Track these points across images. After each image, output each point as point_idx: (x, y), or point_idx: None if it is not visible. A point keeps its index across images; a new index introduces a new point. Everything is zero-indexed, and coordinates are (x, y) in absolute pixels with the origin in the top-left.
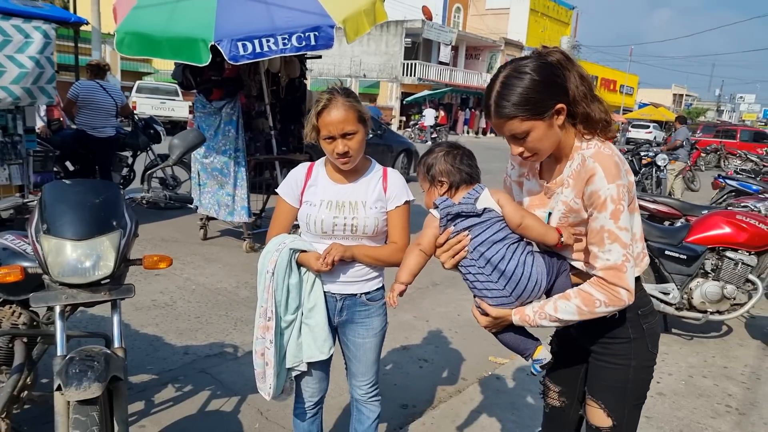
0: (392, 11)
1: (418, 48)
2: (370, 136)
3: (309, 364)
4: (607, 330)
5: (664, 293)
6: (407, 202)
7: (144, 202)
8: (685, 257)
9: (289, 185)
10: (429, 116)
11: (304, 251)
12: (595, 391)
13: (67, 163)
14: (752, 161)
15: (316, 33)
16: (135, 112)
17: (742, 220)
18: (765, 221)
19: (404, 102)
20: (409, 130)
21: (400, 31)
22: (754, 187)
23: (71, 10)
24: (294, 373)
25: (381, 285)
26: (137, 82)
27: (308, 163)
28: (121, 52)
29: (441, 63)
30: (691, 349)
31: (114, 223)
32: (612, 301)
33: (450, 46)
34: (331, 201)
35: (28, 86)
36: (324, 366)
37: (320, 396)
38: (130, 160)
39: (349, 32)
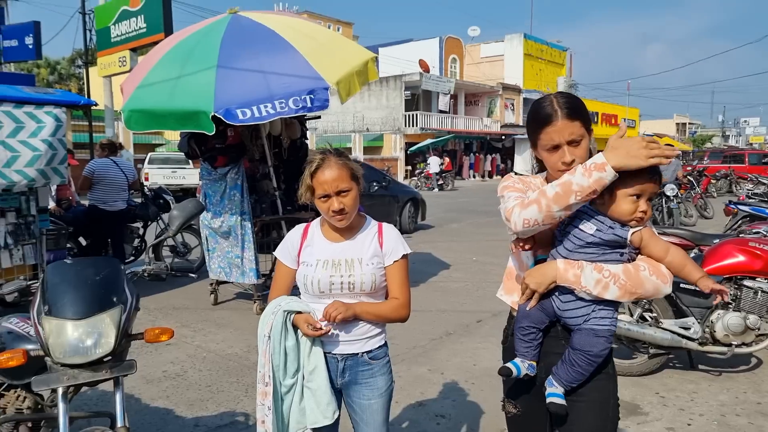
0: (390, 67)
1: (418, 99)
2: (376, 188)
3: (314, 430)
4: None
5: (685, 328)
6: (404, 256)
7: (146, 275)
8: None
9: (286, 247)
10: (434, 164)
11: (300, 312)
12: None
13: (80, 239)
14: (764, 184)
15: (312, 96)
16: (145, 183)
17: (756, 247)
18: None
19: (408, 152)
20: (415, 178)
21: (400, 84)
22: None
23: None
24: None
25: (383, 342)
26: (149, 153)
27: (304, 225)
28: (130, 128)
29: (441, 111)
30: (720, 386)
31: (114, 299)
32: (655, 270)
33: (449, 95)
34: (327, 260)
35: (41, 168)
36: (330, 431)
37: None
38: (141, 231)
39: (342, 93)
